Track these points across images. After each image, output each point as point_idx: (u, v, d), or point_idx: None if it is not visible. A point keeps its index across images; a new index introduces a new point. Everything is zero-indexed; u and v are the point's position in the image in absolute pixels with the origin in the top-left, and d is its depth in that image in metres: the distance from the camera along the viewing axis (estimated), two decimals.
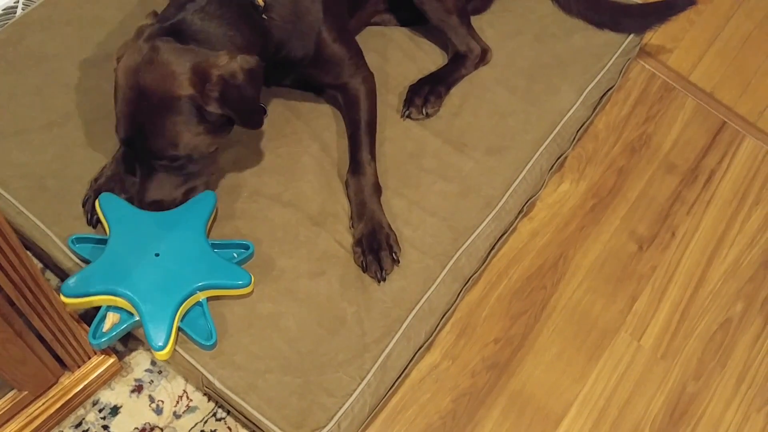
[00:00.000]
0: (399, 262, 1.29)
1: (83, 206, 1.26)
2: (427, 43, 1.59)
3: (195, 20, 1.15)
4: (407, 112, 1.46)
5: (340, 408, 1.18)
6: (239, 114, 1.17)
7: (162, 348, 1.13)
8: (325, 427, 1.16)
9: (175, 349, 1.18)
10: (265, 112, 1.27)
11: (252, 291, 1.23)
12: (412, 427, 1.32)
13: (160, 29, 1.15)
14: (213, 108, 1.13)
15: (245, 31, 1.19)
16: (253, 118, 1.21)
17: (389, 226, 1.31)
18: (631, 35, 1.67)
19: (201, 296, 1.18)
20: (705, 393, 1.44)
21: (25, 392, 1.13)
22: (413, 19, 1.58)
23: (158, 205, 1.20)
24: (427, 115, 1.46)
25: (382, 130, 1.44)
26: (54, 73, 1.41)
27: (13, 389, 1.12)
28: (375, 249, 1.27)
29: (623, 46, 1.66)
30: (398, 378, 1.26)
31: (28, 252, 0.88)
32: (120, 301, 1.15)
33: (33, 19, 1.48)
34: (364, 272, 1.28)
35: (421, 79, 1.50)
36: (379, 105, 1.46)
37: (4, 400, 1.12)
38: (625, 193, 1.65)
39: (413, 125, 1.46)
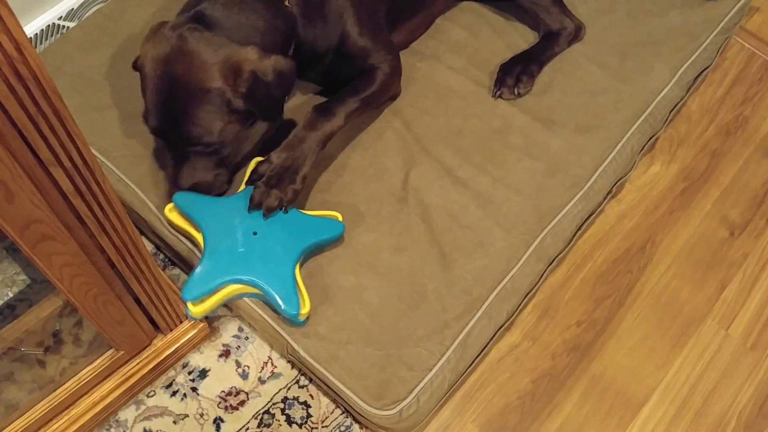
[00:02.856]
0: (291, 203, 1.21)
1: None
2: (517, 18, 1.56)
3: (216, 7, 1.15)
4: (498, 92, 1.43)
5: (420, 382, 1.19)
6: (261, 110, 1.18)
7: (297, 314, 1.15)
8: (404, 399, 1.17)
9: (262, 317, 1.22)
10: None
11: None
12: (490, 405, 1.33)
13: (185, 18, 1.15)
14: (238, 103, 1.14)
15: (268, 18, 1.18)
16: (273, 114, 1.21)
17: (305, 178, 1.22)
18: (731, 12, 1.59)
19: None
20: None
21: (122, 352, 1.18)
22: None
23: (193, 189, 1.21)
24: (519, 95, 1.43)
25: (470, 105, 1.42)
26: None
27: (111, 348, 1.18)
28: (273, 185, 1.20)
29: (722, 23, 1.58)
30: (478, 356, 1.26)
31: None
32: (242, 288, 1.17)
33: None
34: (254, 204, 1.20)
35: (512, 58, 1.47)
36: (466, 81, 1.45)
37: (102, 358, 1.18)
38: (718, 177, 1.59)
39: (500, 101, 1.44)
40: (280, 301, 1.14)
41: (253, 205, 1.20)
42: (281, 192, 1.20)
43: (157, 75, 1.13)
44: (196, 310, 1.14)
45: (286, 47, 1.23)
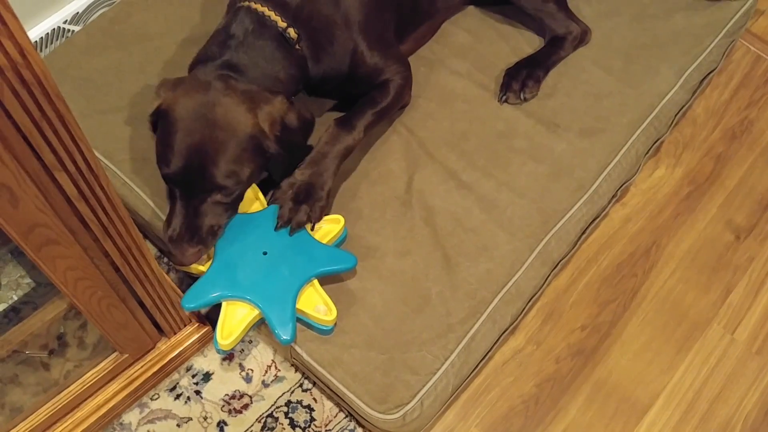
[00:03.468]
0: (318, 220, 1.23)
1: None
2: (521, 22, 1.56)
3: (242, 57, 1.17)
4: (504, 97, 1.43)
5: (424, 386, 1.19)
6: (287, 156, 1.19)
7: (290, 340, 1.15)
8: (408, 404, 1.17)
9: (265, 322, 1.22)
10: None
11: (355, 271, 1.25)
12: (494, 409, 1.32)
13: (214, 66, 1.16)
14: (272, 148, 1.14)
15: (285, 66, 1.21)
16: (300, 155, 1.24)
17: (329, 192, 1.25)
18: (737, 15, 1.59)
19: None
20: None
21: (126, 355, 1.18)
22: None
23: (194, 236, 1.15)
24: (525, 100, 1.43)
25: (474, 109, 1.42)
26: (157, 51, 1.46)
27: (115, 352, 1.18)
28: (300, 200, 1.22)
29: (727, 26, 1.58)
30: (482, 360, 1.26)
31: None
32: (240, 304, 1.17)
33: None
34: (283, 220, 1.21)
35: (518, 63, 1.47)
36: (471, 84, 1.45)
37: (107, 361, 1.18)
38: (723, 180, 1.58)
39: (505, 104, 1.44)
40: (275, 324, 1.14)
41: (283, 222, 1.21)
42: (309, 207, 1.22)
43: (192, 118, 1.11)
44: (225, 343, 1.15)
45: (302, 87, 1.28)
